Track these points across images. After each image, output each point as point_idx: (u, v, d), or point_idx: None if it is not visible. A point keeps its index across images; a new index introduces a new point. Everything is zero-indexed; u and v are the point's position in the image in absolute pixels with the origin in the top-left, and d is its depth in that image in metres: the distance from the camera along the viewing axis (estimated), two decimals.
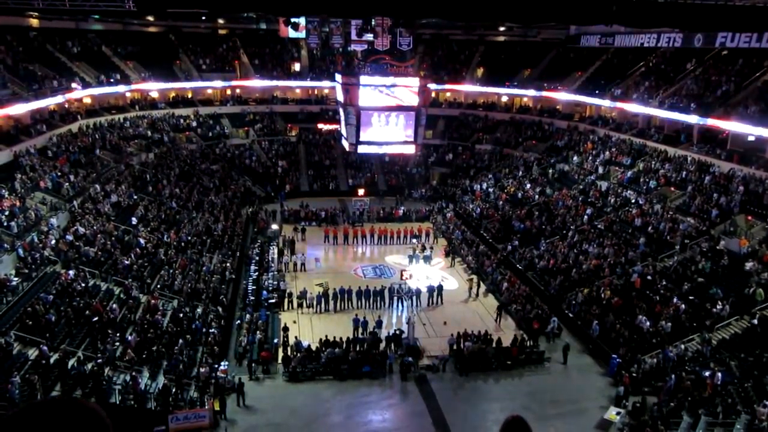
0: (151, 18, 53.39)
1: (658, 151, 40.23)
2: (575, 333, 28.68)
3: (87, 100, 47.70)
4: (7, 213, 27.61)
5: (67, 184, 34.17)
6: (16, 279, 24.23)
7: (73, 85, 44.08)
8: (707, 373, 22.17)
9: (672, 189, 36.17)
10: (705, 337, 24.56)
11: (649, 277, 29.23)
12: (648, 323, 26.07)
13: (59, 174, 34.75)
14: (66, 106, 44.18)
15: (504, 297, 31.98)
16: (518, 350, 26.25)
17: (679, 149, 38.94)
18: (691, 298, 26.79)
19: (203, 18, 55.95)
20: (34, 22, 46.44)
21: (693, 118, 37.72)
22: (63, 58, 47.18)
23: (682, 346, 24.54)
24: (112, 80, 49.06)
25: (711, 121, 36.49)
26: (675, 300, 26.82)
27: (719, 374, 21.88)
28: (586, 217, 37.14)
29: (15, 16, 42.57)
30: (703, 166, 36.08)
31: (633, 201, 36.64)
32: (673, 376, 22.69)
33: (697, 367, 23.02)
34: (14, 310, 22.51)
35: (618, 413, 21.66)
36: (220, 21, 58.80)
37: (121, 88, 50.15)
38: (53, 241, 27.92)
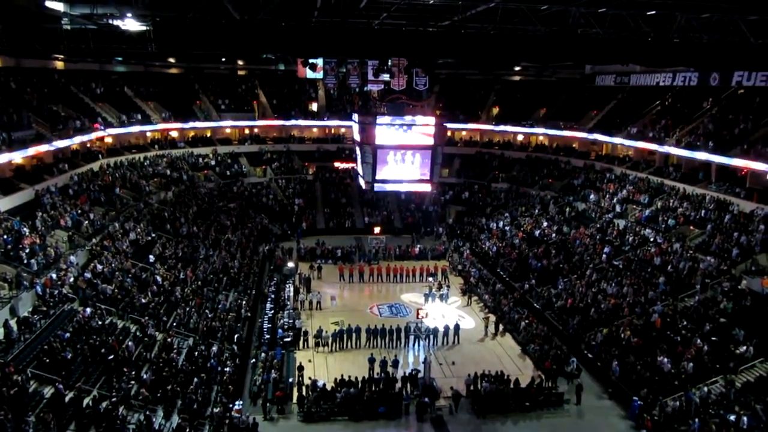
0: (172, 60, 54.80)
1: (676, 190, 39.98)
2: (595, 374, 28.12)
3: (108, 140, 48.65)
4: (27, 251, 27.93)
5: (86, 222, 34.57)
6: (34, 317, 24.36)
7: (96, 125, 45.03)
8: (732, 417, 21.59)
9: (691, 228, 35.76)
10: (729, 379, 23.96)
11: (668, 318, 28.71)
12: (669, 364, 25.52)
13: (79, 212, 35.19)
14: (88, 145, 45.07)
15: (522, 336, 31.57)
16: (536, 391, 25.79)
17: (698, 187, 38.63)
18: (713, 338, 26.21)
19: (223, 59, 57.29)
20: (60, 64, 47.80)
21: (710, 157, 37.56)
22: (86, 99, 48.37)
23: (705, 389, 23.93)
24: (133, 120, 50.17)
25: (727, 160, 36.26)
26: (697, 341, 26.27)
27: (744, 418, 21.30)
28: (604, 255, 36.77)
29: (42, 59, 43.97)
30: (723, 205, 35.72)
31: (651, 240, 36.24)
32: (697, 419, 22.10)
33: (721, 411, 22.42)
34: (31, 348, 22.59)
35: None
36: (240, 62, 60.14)
37: (141, 128, 51.20)
38: (72, 279, 28.15)
